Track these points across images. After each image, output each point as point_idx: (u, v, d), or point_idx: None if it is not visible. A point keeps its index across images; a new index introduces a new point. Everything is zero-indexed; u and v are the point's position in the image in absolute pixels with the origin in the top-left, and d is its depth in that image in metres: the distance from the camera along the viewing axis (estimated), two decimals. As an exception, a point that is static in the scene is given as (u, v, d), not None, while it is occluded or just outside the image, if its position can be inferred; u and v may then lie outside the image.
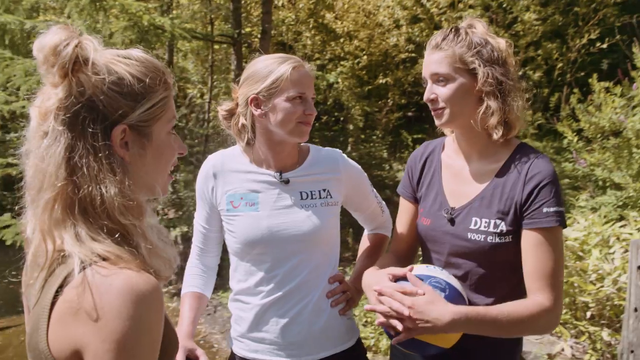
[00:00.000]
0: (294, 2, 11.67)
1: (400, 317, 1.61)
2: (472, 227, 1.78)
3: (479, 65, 1.73)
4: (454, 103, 1.76)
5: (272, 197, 1.92)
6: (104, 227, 1.05)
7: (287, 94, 1.84)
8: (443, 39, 1.77)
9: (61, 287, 1.00)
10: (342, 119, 11.55)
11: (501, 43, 1.79)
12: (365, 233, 2.30)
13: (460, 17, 9.91)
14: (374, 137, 11.13)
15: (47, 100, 1.06)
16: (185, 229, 8.43)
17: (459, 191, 1.86)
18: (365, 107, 10.85)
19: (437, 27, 10.68)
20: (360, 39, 11.32)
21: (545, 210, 1.68)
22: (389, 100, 11.46)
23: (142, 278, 0.99)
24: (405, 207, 2.07)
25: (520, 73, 10.12)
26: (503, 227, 1.73)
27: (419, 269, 1.78)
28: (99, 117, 1.07)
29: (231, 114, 2.00)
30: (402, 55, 11.09)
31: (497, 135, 1.75)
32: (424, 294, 1.63)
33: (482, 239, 1.75)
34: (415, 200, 2.03)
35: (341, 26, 11.33)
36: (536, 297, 1.66)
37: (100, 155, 1.06)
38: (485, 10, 10.25)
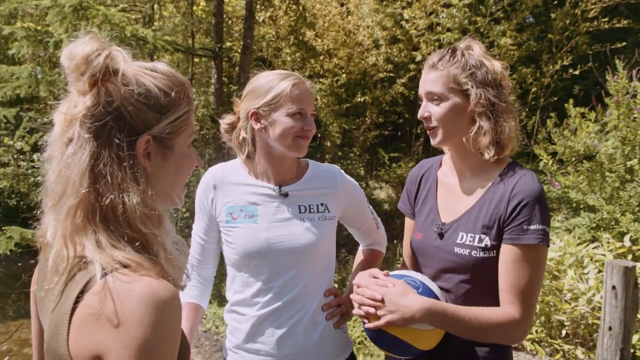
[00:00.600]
0: (275, 19, 11.77)
1: (374, 305, 1.72)
2: (458, 241, 1.82)
3: (472, 87, 1.78)
4: (447, 122, 1.81)
5: (271, 210, 1.95)
6: (124, 235, 1.06)
7: (286, 109, 1.88)
8: (439, 59, 1.83)
9: (82, 292, 1.00)
10: (319, 135, 11.61)
11: (496, 65, 1.84)
12: (360, 248, 2.34)
13: (439, 40, 10.13)
14: (351, 154, 11.21)
15: (73, 108, 1.08)
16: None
17: (451, 207, 1.92)
18: (343, 125, 10.95)
19: (416, 48, 10.87)
20: (339, 57, 11.46)
21: (525, 227, 1.70)
22: (366, 119, 11.58)
23: (162, 285, 1.00)
24: (407, 224, 2.14)
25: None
26: (487, 241, 1.77)
27: (397, 271, 1.88)
28: (125, 127, 1.09)
29: (232, 127, 2.04)
30: (381, 75, 11.25)
31: (488, 154, 1.79)
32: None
33: (467, 253, 1.79)
34: (414, 216, 2.08)
35: (321, 44, 11.47)
36: (506, 308, 1.71)
37: (124, 164, 1.08)
38: (462, 34, 10.46)
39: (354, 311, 1.80)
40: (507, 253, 1.72)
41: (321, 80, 10.53)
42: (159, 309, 0.97)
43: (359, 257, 2.32)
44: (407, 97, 11.22)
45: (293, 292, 1.93)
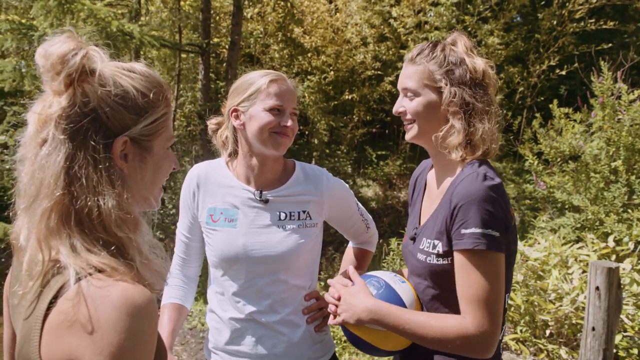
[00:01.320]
0: (263, 15, 11.72)
1: (334, 303, 1.77)
2: (420, 246, 1.76)
3: (446, 84, 1.71)
4: (421, 118, 1.75)
5: (251, 216, 1.92)
6: (99, 239, 1.04)
7: (264, 104, 1.85)
8: (418, 54, 1.76)
9: (55, 298, 0.98)
10: (307, 133, 11.61)
11: (478, 64, 1.75)
12: (350, 246, 2.31)
13: (427, 38, 10.14)
14: (339, 152, 11.22)
15: (48, 108, 1.04)
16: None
17: (428, 209, 1.87)
18: (330, 122, 10.95)
19: (404, 46, 10.90)
20: (327, 54, 11.45)
21: (462, 231, 1.58)
22: (354, 116, 11.59)
23: (137, 290, 0.98)
24: None
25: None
26: (440, 247, 1.68)
27: (373, 272, 1.89)
28: (102, 128, 1.06)
29: (219, 127, 2.02)
30: (369, 73, 11.26)
31: (455, 155, 1.70)
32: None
33: (424, 259, 1.72)
34: None
35: (309, 41, 11.45)
36: (462, 318, 1.59)
37: (100, 167, 1.05)
38: (450, 32, 10.48)
39: (329, 308, 1.82)
40: (455, 260, 1.62)
41: (309, 77, 10.52)
42: (134, 314, 0.95)
43: (348, 254, 2.29)
44: (394, 95, 11.17)
45: (271, 297, 1.91)
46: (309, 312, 1.99)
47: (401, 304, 1.72)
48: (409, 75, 1.76)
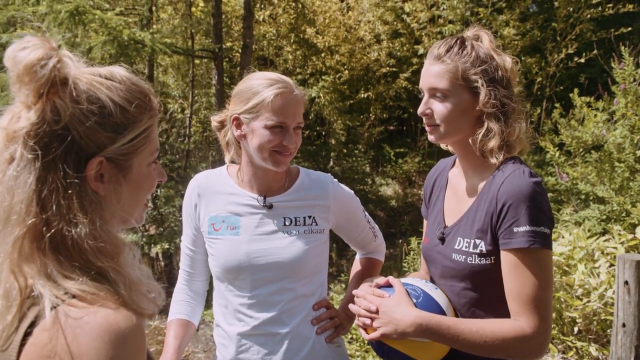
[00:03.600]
0: (275, 17, 11.68)
1: (370, 317, 1.64)
2: (456, 247, 1.68)
3: (482, 85, 1.62)
4: (450, 122, 1.65)
5: (254, 222, 1.85)
6: (77, 266, 0.95)
7: (266, 121, 1.74)
8: (447, 51, 1.65)
9: (31, 327, 0.89)
10: (324, 133, 11.54)
11: (507, 61, 1.67)
12: (358, 257, 2.22)
13: (441, 32, 10.01)
14: (356, 151, 11.12)
15: (15, 122, 0.94)
16: (166, 245, 8.29)
17: (455, 209, 1.78)
18: (347, 122, 10.85)
19: (418, 42, 10.77)
20: (341, 53, 11.37)
21: (515, 229, 1.54)
22: (370, 115, 11.49)
23: (120, 316, 0.90)
24: (425, 227, 2.00)
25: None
26: (483, 247, 1.62)
27: (403, 279, 1.77)
28: (73, 149, 0.95)
29: (223, 125, 1.93)
30: (384, 70, 11.15)
31: (496, 159, 1.63)
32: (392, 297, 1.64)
33: (463, 260, 1.65)
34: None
35: (322, 41, 11.37)
36: (516, 321, 1.55)
37: (69, 191, 0.95)
38: (465, 26, 10.34)
39: (355, 321, 1.72)
40: (504, 260, 1.58)
41: (323, 77, 10.43)
42: (117, 342, 0.87)
43: (356, 266, 2.20)
44: (410, 92, 11.10)
45: (277, 307, 1.83)
46: (318, 322, 1.90)
47: (441, 312, 1.64)
48: (437, 74, 1.65)
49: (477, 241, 1.63)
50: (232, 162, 1.97)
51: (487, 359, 1.67)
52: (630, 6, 9.02)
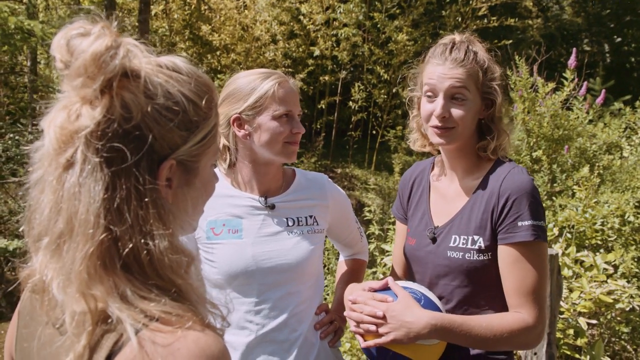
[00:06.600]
0: (168, 12, 11.30)
1: (375, 323, 1.58)
2: (451, 244, 1.72)
3: (496, 91, 1.70)
4: (466, 125, 1.69)
5: (257, 224, 1.77)
6: (154, 285, 0.84)
7: (272, 112, 1.70)
8: (465, 54, 1.67)
9: (109, 358, 0.78)
10: (219, 132, 11.32)
11: (497, 68, 1.74)
12: (342, 259, 2.19)
13: (336, 35, 10.21)
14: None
15: (74, 120, 0.81)
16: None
17: (443, 210, 1.82)
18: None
19: (313, 43, 10.90)
20: (237, 52, 11.23)
21: (519, 224, 1.59)
22: (267, 115, 11.43)
23: (211, 339, 0.82)
24: (399, 229, 2.02)
25: (393, 91, 10.63)
26: (481, 243, 1.66)
27: (398, 282, 1.75)
28: (147, 150, 0.84)
29: None
30: (280, 70, 11.13)
31: (494, 156, 1.74)
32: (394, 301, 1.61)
33: (461, 257, 1.68)
34: (407, 221, 1.97)
35: (218, 39, 11.17)
36: (517, 313, 1.61)
37: (146, 199, 0.84)
38: (359, 29, 10.65)
39: (352, 329, 1.66)
40: (506, 254, 1.63)
41: (219, 76, 10.24)
42: None
43: (342, 267, 2.17)
44: (305, 93, 11.22)
45: (285, 313, 1.76)
46: (321, 326, 1.85)
47: (441, 312, 1.65)
48: (460, 77, 1.65)
49: (476, 237, 1.68)
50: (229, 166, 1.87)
51: (480, 354, 1.72)
52: (512, 20, 9.75)
